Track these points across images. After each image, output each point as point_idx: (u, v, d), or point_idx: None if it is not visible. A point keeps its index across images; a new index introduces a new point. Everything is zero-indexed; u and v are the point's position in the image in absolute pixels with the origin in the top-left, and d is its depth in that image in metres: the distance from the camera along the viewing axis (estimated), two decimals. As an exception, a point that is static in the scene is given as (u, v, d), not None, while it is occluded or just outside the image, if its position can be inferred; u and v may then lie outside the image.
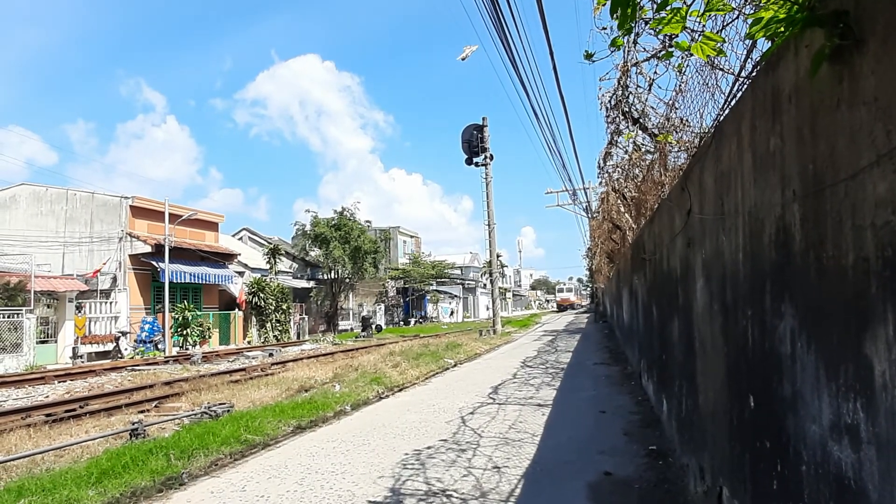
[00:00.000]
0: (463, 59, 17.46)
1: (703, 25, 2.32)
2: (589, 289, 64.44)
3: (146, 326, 22.25)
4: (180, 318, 23.37)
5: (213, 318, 26.01)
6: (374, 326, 30.61)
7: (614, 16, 1.82)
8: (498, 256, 29.20)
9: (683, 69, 3.30)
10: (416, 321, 43.88)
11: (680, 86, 3.59)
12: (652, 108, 4.49)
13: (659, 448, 4.94)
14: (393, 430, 6.20)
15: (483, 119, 23.55)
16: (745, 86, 2.46)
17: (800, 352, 1.76)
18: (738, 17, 2.35)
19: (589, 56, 3.01)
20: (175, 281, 22.90)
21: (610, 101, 4.80)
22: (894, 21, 1.20)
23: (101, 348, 20.73)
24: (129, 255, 23.09)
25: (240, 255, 29.35)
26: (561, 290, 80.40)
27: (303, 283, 34.02)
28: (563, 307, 71.21)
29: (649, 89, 4.14)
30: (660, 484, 4.09)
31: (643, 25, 3.14)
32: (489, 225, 24.17)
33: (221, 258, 26.83)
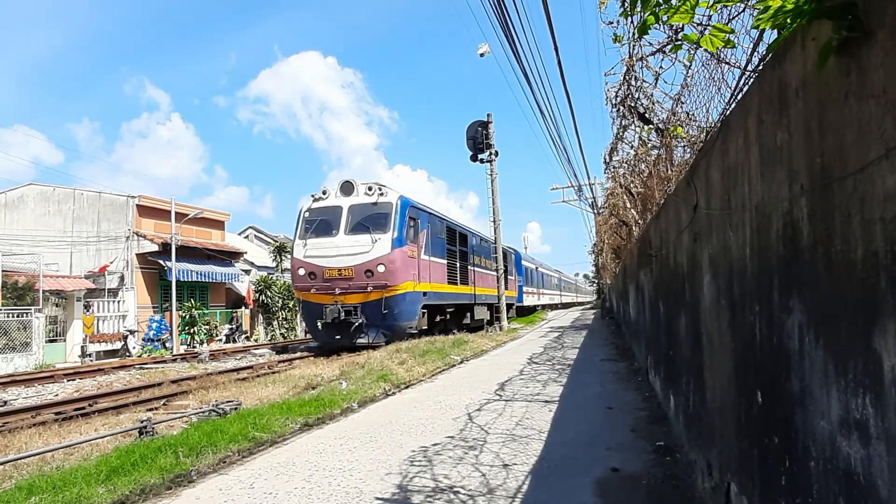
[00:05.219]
0: (482, 56, 17.70)
1: (710, 18, 2.31)
2: (595, 284, 62.63)
3: (154, 325, 22.42)
4: (187, 317, 23.52)
5: (220, 316, 26.15)
6: (380, 324, 30.58)
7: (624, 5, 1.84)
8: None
9: (690, 63, 3.29)
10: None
11: (686, 80, 3.58)
12: (658, 102, 4.47)
13: (666, 444, 4.93)
14: (400, 427, 6.21)
15: (488, 115, 23.46)
16: (752, 80, 2.44)
17: (808, 347, 1.75)
18: (744, 10, 2.33)
19: (617, 39, 3.16)
20: (182, 279, 23.03)
21: (616, 96, 4.78)
22: (903, 12, 1.19)
23: (109, 347, 20.91)
24: (136, 254, 23.24)
25: (246, 253, 29.46)
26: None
27: (309, 281, 34.04)
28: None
29: (655, 84, 4.13)
30: (667, 480, 4.09)
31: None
32: (494, 221, 24.09)
33: (228, 256, 26.96)
